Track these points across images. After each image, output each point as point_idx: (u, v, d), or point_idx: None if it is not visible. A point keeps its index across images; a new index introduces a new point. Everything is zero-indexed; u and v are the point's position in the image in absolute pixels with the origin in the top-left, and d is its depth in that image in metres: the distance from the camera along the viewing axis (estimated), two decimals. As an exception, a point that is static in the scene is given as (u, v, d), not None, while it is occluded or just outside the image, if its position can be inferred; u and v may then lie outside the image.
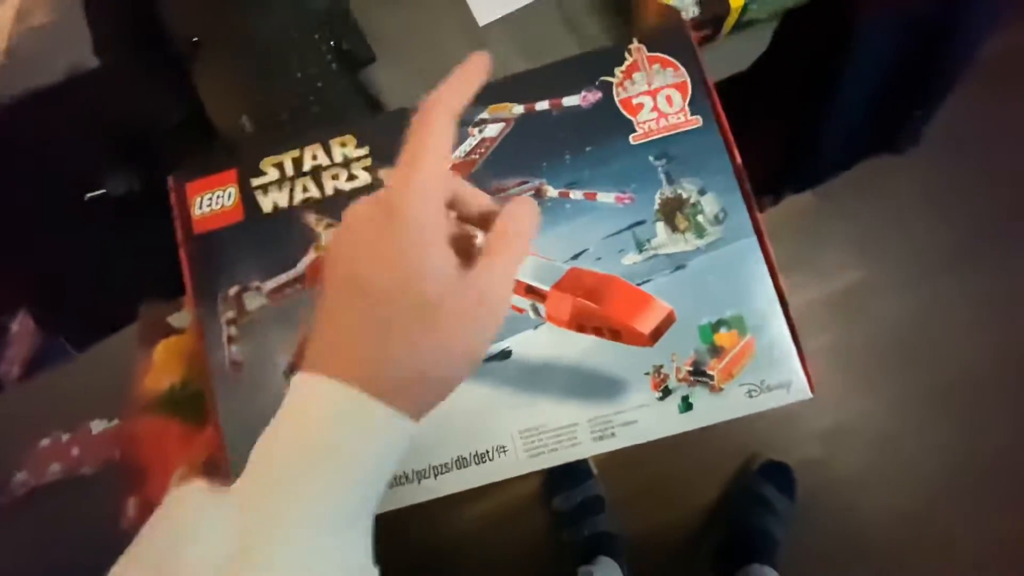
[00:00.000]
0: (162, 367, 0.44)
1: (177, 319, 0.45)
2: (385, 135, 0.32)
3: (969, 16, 0.54)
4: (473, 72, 0.21)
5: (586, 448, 0.29)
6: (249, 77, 0.48)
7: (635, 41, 0.32)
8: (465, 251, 0.20)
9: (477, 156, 0.31)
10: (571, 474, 0.91)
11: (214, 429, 0.31)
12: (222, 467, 0.40)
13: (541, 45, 0.49)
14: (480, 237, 0.23)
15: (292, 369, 0.30)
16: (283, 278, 0.31)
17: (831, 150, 0.66)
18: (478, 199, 0.23)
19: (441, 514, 0.87)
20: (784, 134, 0.65)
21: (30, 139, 0.50)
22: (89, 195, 0.49)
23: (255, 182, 0.32)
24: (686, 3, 0.44)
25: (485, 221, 0.23)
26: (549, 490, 0.91)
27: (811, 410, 0.94)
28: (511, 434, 0.29)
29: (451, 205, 0.22)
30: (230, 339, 0.31)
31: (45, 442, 0.45)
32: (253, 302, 0.31)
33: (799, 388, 0.28)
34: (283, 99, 0.47)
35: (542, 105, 0.31)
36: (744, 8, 0.45)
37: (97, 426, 0.45)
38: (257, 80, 0.48)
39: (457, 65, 0.21)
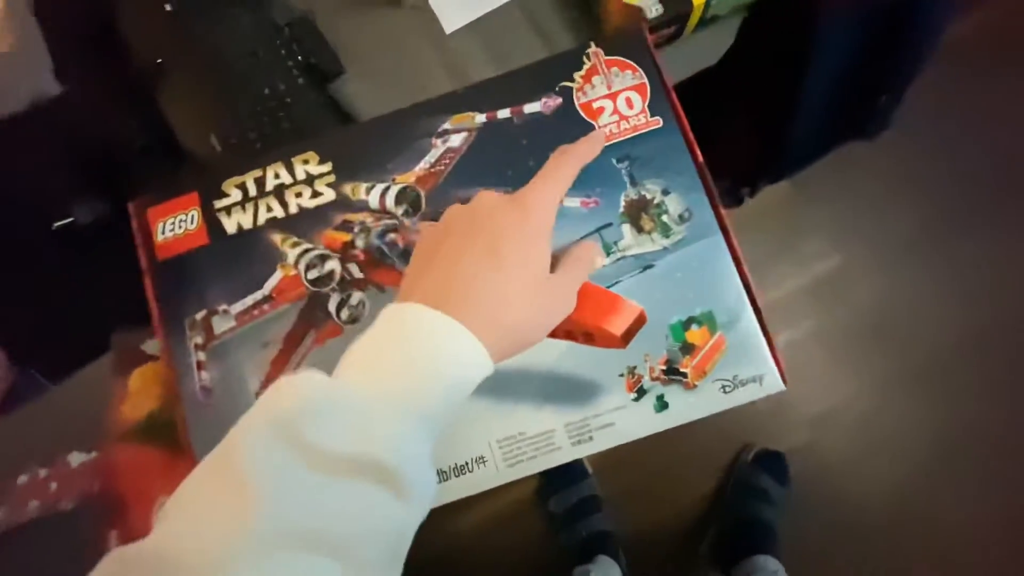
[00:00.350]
0: (139, 395, 0.43)
1: (151, 346, 0.44)
2: (346, 150, 0.32)
3: (929, 5, 0.55)
4: (600, 144, 0.27)
5: (565, 453, 0.29)
6: (216, 96, 0.48)
7: (592, 45, 0.32)
8: None
9: (443, 167, 0.31)
10: (566, 475, 0.91)
11: (189, 457, 0.30)
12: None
13: (508, 49, 0.49)
14: None
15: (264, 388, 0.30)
16: (250, 300, 0.31)
17: (804, 139, 0.67)
18: None
19: (437, 518, 0.86)
20: (757, 126, 0.65)
21: (-5, 170, 0.49)
22: (56, 224, 0.48)
23: (218, 204, 0.32)
24: (648, 2, 0.44)
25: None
26: (545, 491, 0.91)
27: (799, 397, 0.95)
28: (489, 444, 0.29)
29: None
30: (199, 364, 0.30)
31: (23, 479, 0.44)
32: (221, 325, 0.30)
33: (772, 381, 0.29)
34: (252, 116, 0.47)
35: (504, 113, 0.31)
36: (706, 5, 0.45)
37: (76, 459, 0.44)
38: (224, 99, 0.48)
39: (586, 136, 0.27)
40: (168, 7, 0.47)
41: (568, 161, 0.25)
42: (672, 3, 0.44)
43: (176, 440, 0.42)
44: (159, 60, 0.48)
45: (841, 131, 0.67)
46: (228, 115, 0.47)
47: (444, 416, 0.21)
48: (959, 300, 0.94)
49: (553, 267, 0.24)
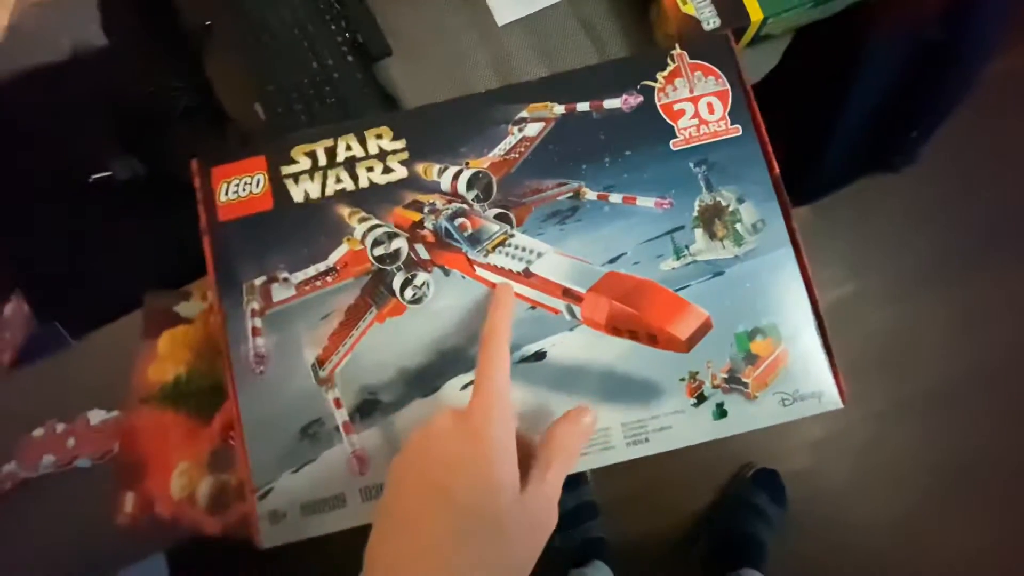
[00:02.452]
0: (167, 358, 0.42)
1: (185, 308, 0.43)
2: (422, 129, 0.31)
3: (969, 41, 0.56)
4: (509, 301, 0.25)
5: (619, 453, 0.29)
6: (263, 64, 0.47)
7: (677, 48, 0.32)
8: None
9: (516, 155, 0.31)
10: (565, 481, 0.91)
11: (235, 424, 0.29)
12: (231, 456, 0.38)
13: (558, 49, 0.49)
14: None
15: (320, 364, 0.29)
16: (312, 270, 0.30)
17: (831, 166, 0.68)
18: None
19: None
20: (787, 149, 0.66)
21: (32, 117, 0.48)
22: (94, 177, 0.47)
23: (285, 170, 0.31)
24: (706, 15, 0.44)
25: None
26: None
27: (801, 420, 0.95)
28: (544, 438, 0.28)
29: None
30: (254, 331, 0.30)
31: (38, 432, 0.43)
32: (280, 293, 0.30)
33: (830, 398, 0.29)
34: (297, 88, 0.47)
35: (583, 106, 0.31)
36: (762, 23, 0.45)
37: (96, 416, 0.43)
38: (271, 68, 0.47)
39: (493, 297, 0.26)
40: (220, -31, 0.47)
41: (497, 346, 0.24)
42: (730, 17, 0.44)
43: (201, 407, 0.41)
44: (208, 22, 0.48)
45: (868, 162, 0.68)
46: (274, 85, 0.47)
47: None
48: (968, 335, 0.96)
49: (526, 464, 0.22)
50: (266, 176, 0.31)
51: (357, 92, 0.47)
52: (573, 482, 0.91)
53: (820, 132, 0.64)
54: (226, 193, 0.31)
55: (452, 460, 0.21)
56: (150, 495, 0.40)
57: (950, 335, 0.96)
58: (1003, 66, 0.99)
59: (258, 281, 0.30)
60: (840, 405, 0.29)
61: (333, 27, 0.48)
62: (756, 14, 0.44)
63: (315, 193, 0.31)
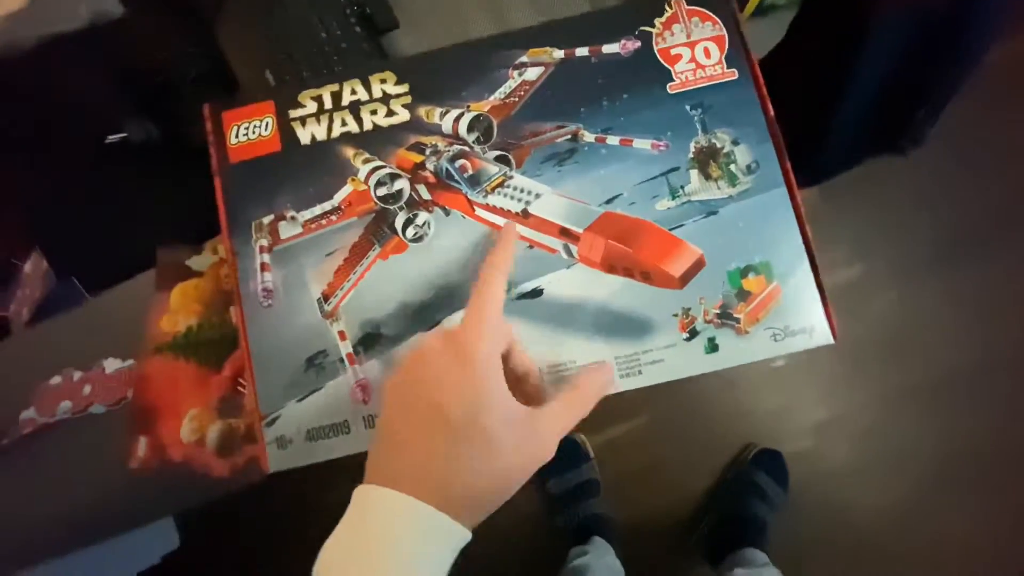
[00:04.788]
0: (179, 309, 0.44)
1: (196, 262, 0.45)
2: (425, 74, 0.32)
3: (978, 20, 0.56)
4: (513, 238, 0.26)
5: (614, 384, 0.29)
6: (273, 33, 0.48)
7: (675, -6, 0.32)
8: (523, 390, 0.25)
9: (516, 99, 0.32)
10: (567, 457, 0.91)
11: (243, 356, 0.31)
12: (239, 402, 0.40)
13: (561, 11, 0.50)
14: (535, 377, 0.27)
15: (325, 298, 0.31)
16: (318, 209, 0.31)
17: (838, 148, 0.67)
18: (523, 358, 0.27)
19: None
20: (792, 129, 0.66)
21: (51, 81, 0.50)
22: (110, 138, 0.49)
23: (293, 113, 0.32)
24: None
25: (524, 377, 0.27)
26: (544, 473, 0.92)
27: (805, 402, 0.95)
28: (540, 369, 0.29)
29: (504, 356, 0.26)
30: (263, 266, 0.31)
31: (56, 380, 0.44)
32: (288, 231, 0.31)
33: (822, 333, 0.29)
34: (307, 57, 0.48)
35: (582, 51, 0.32)
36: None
37: (111, 365, 0.44)
38: (281, 37, 0.48)
39: (499, 235, 0.26)
40: (232, -59, 0.48)
41: (495, 277, 0.24)
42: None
43: (210, 356, 0.43)
44: (221, -8, 0.49)
45: (875, 143, 0.68)
46: (283, 53, 0.48)
47: None
48: (975, 320, 0.95)
49: (533, 394, 0.24)
50: (274, 119, 0.32)
51: (364, 62, 0.49)
52: (576, 459, 0.91)
53: (825, 111, 0.64)
54: (236, 136, 0.32)
55: (442, 378, 0.22)
56: (162, 440, 0.42)
57: (957, 319, 0.95)
58: (1013, 47, 0.98)
59: (266, 219, 0.31)
60: (831, 341, 0.29)
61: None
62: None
63: (321, 135, 0.32)
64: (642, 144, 0.31)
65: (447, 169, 0.31)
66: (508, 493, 0.23)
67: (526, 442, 0.22)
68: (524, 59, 0.32)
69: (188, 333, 0.43)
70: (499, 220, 0.31)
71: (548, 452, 0.23)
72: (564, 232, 0.30)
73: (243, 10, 0.49)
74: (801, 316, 0.29)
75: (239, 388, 0.41)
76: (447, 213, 0.31)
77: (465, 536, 0.22)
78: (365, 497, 0.22)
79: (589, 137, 0.31)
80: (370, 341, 0.30)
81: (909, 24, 0.58)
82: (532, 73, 0.32)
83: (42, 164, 0.49)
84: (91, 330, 0.46)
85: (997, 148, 1.00)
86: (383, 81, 0.32)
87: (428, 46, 0.49)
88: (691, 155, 0.31)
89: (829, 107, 0.64)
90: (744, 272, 0.30)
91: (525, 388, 0.27)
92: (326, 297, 0.30)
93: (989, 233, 0.98)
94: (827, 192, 0.92)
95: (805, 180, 0.77)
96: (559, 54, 0.32)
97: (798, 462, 0.91)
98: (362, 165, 0.31)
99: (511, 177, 0.31)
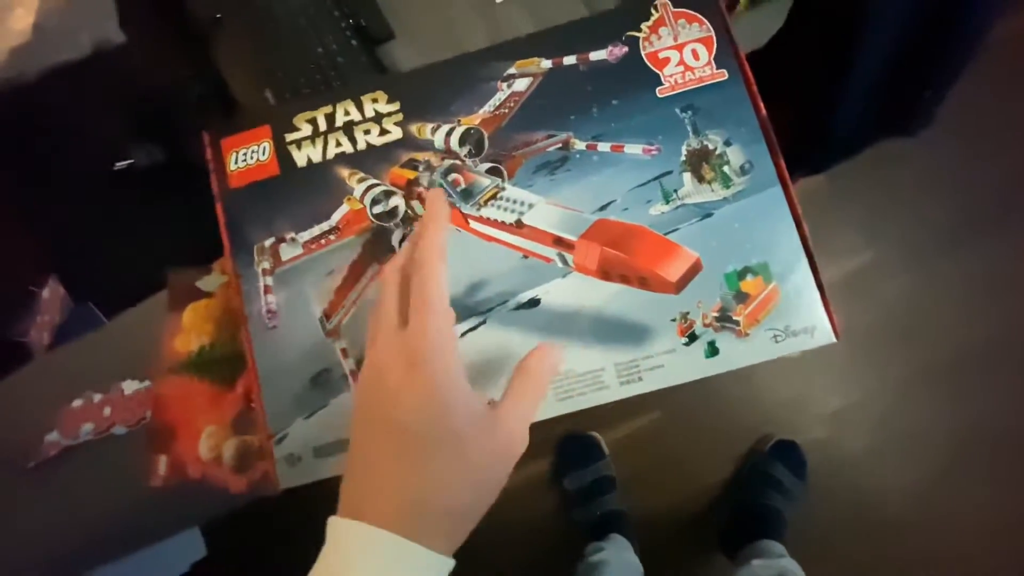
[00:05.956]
0: (191, 330, 0.45)
1: (206, 283, 0.46)
2: (415, 91, 0.33)
3: None
4: (441, 213, 0.23)
5: (613, 392, 0.29)
6: (270, 52, 0.49)
7: (661, -3, 0.32)
8: None
9: (506, 110, 0.32)
10: (583, 454, 0.92)
11: (251, 376, 0.31)
12: (254, 419, 0.41)
13: (555, 22, 0.50)
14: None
15: (327, 317, 0.31)
16: (317, 230, 0.32)
17: (845, 132, 0.66)
18: None
19: None
20: (798, 116, 0.65)
21: (58, 111, 0.51)
22: (117, 165, 0.50)
23: (289, 137, 0.33)
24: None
25: None
26: (560, 469, 0.92)
27: (819, 391, 0.94)
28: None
29: None
30: (266, 288, 0.31)
31: (77, 402, 0.46)
32: (288, 252, 0.32)
33: (823, 332, 0.29)
34: (305, 73, 0.48)
35: (569, 60, 0.32)
36: (763, -24, 0.45)
37: (129, 386, 0.46)
38: (278, 55, 0.49)
39: (426, 208, 0.24)
40: (226, -36, 0.49)
41: (430, 257, 0.22)
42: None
43: (224, 374, 0.44)
44: (218, 15, 0.50)
45: (882, 126, 0.67)
46: (282, 71, 0.49)
47: None
48: (987, 302, 0.93)
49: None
50: (271, 144, 0.33)
51: (361, 75, 0.49)
52: (591, 456, 0.91)
53: (829, 97, 0.63)
54: (235, 162, 0.33)
55: (399, 390, 0.20)
56: (181, 458, 0.43)
57: (968, 302, 0.94)
58: (1017, 24, 0.95)
59: (267, 242, 0.32)
60: (833, 339, 0.29)
61: (336, 13, 0.50)
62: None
63: (317, 157, 0.32)
64: (633, 149, 0.31)
65: (440, 184, 0.32)
66: (489, 498, 0.21)
67: (496, 438, 0.21)
68: (512, 71, 0.32)
69: (201, 352, 0.45)
70: (494, 232, 0.31)
71: (521, 444, 0.22)
72: (558, 241, 0.30)
73: (240, 31, 0.50)
74: (802, 316, 0.29)
75: (252, 405, 0.42)
76: (443, 228, 0.32)
77: (446, 564, 0.20)
78: (334, 531, 0.20)
79: (580, 145, 0.31)
80: (373, 357, 0.31)
81: (908, 8, 0.57)
82: (521, 84, 0.32)
83: (54, 193, 0.51)
84: (109, 352, 0.48)
85: (1005, 126, 0.97)
86: (375, 100, 0.33)
87: (424, 56, 0.49)
88: (683, 158, 0.30)
89: (833, 92, 0.63)
90: (742, 274, 0.29)
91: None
92: (328, 316, 0.31)
93: (1000, 213, 0.96)
94: (834, 177, 0.90)
95: (813, 167, 0.76)
96: (547, 64, 0.32)
97: (814, 451, 0.90)
98: (357, 184, 0.32)
99: (503, 189, 0.31)
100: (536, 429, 0.29)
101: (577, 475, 0.91)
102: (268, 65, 0.49)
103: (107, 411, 0.46)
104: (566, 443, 0.93)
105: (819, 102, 0.64)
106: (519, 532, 0.92)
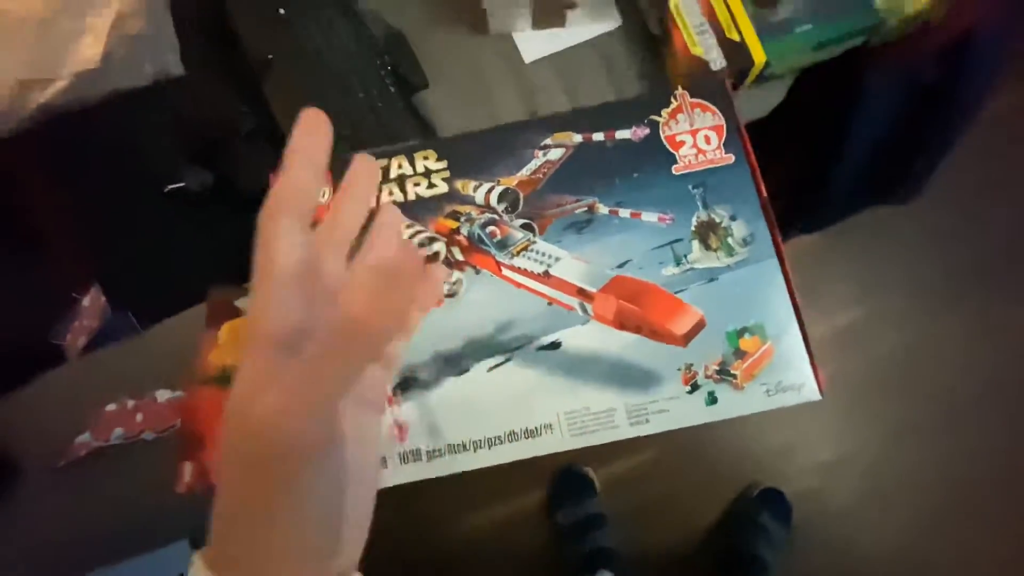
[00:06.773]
0: (226, 346, 0.48)
1: (244, 303, 0.49)
2: (462, 152, 0.37)
3: (969, 78, 0.61)
4: (320, 128, 0.18)
5: (623, 431, 0.33)
6: (316, 93, 0.54)
7: (680, 88, 0.37)
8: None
9: (541, 175, 0.36)
10: (575, 490, 0.94)
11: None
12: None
13: (580, 85, 0.56)
14: None
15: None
16: (366, 267, 0.36)
17: (838, 198, 0.72)
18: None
19: (444, 524, 0.89)
20: (795, 180, 0.71)
21: (118, 135, 0.55)
22: (169, 187, 0.54)
23: (347, 183, 0.37)
24: (713, 56, 0.50)
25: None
26: (553, 504, 0.94)
27: (810, 442, 0.97)
28: (557, 414, 0.33)
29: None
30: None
31: (111, 407, 0.49)
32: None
33: (810, 389, 0.33)
34: (346, 115, 0.53)
35: (598, 136, 0.37)
36: (765, 65, 0.51)
37: (162, 395, 0.49)
38: (323, 96, 0.54)
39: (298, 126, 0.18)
40: (281, 11, 0.54)
41: (277, 223, 0.17)
42: (735, 59, 0.50)
43: (253, 390, 0.47)
44: (270, 56, 0.55)
45: (874, 194, 0.72)
46: (325, 111, 0.54)
47: None
48: (973, 360, 0.97)
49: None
50: (331, 189, 0.37)
51: (398, 118, 0.54)
52: (583, 493, 0.93)
53: (825, 166, 0.68)
54: (296, 201, 0.37)
55: (251, 400, 0.16)
56: (206, 466, 0.45)
57: (959, 357, 0.98)
58: (1001, 100, 1.03)
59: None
60: (818, 396, 0.33)
61: (378, 61, 0.55)
62: (759, 56, 0.50)
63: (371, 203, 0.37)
64: (650, 217, 0.35)
65: (479, 234, 0.36)
66: (371, 493, 0.19)
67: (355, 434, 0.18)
68: (548, 141, 0.37)
69: (234, 367, 0.48)
70: (524, 280, 0.35)
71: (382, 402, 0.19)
72: (581, 292, 0.34)
73: (290, 72, 0.55)
74: (791, 374, 0.33)
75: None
76: (478, 272, 0.36)
77: None
78: None
79: (604, 209, 0.36)
80: (407, 384, 0.34)
81: (900, 89, 0.63)
82: (555, 154, 0.37)
83: (107, 208, 0.55)
84: (146, 361, 0.51)
85: (994, 191, 1.04)
86: (426, 158, 0.37)
87: (456, 104, 0.55)
88: (693, 228, 0.35)
89: (828, 162, 0.68)
90: (741, 333, 0.33)
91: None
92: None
93: (991, 271, 1.01)
94: (832, 234, 0.96)
95: (808, 227, 0.81)
96: (578, 138, 0.37)
97: (803, 501, 0.92)
98: (405, 230, 0.36)
99: (535, 242, 0.36)
100: (540, 459, 0.32)
101: (569, 511, 0.92)
102: (313, 104, 0.54)
103: (139, 417, 0.48)
104: (561, 478, 0.95)
105: (815, 170, 0.69)
106: (510, 564, 0.93)
